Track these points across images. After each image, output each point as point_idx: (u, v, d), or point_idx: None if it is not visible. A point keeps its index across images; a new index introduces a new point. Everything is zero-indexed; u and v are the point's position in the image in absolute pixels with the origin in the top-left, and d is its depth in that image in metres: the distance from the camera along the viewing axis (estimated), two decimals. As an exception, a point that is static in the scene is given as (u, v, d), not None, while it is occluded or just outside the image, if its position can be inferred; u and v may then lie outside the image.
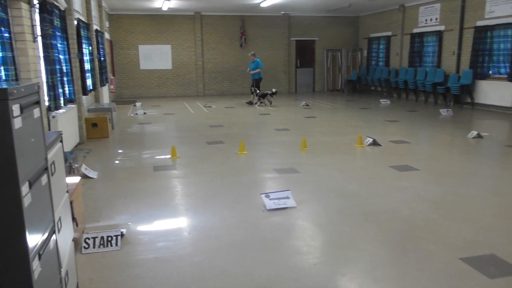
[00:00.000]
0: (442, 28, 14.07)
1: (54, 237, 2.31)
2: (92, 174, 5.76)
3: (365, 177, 5.62)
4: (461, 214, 4.28)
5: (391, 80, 15.93)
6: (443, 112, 11.57)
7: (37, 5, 5.57)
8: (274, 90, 14.19)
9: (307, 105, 13.81)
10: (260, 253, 3.50)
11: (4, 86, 1.72)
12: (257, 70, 14.48)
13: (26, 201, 1.84)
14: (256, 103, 14.14)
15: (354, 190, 5.09)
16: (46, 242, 2.13)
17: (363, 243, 3.66)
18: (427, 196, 4.86)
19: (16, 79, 4.39)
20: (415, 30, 15.37)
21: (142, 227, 4.07)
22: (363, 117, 11.22)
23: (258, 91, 14.12)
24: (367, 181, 5.46)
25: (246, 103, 14.59)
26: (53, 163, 2.44)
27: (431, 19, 14.63)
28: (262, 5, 15.22)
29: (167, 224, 4.17)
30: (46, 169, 2.24)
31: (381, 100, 14.88)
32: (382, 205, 4.57)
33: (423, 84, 14.05)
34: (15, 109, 1.76)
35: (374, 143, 7.56)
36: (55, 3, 6.09)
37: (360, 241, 3.69)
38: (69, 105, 7.20)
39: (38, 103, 2.17)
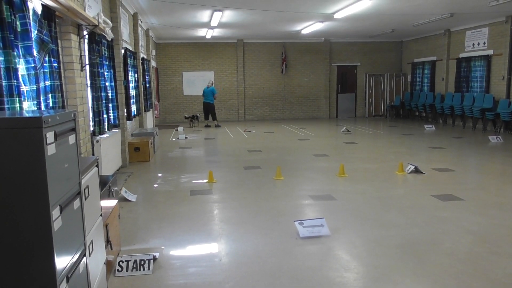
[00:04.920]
0: (490, 52, 13.58)
1: (84, 260, 2.37)
2: (131, 197, 5.92)
3: (405, 206, 5.41)
4: (509, 249, 4.01)
5: (437, 106, 15.46)
6: (492, 139, 11.04)
7: (86, 36, 5.92)
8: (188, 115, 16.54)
9: (348, 131, 13.63)
10: (292, 282, 3.42)
11: (38, 114, 1.82)
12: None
13: (56, 225, 1.91)
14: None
15: (393, 220, 4.91)
16: (75, 265, 2.19)
17: (400, 276, 3.49)
18: (471, 228, 4.59)
19: (63, 106, 4.64)
20: (462, 55, 14.93)
21: (175, 252, 4.10)
22: (405, 144, 10.91)
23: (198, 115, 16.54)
24: (406, 210, 5.26)
25: (205, 126, 16.11)
26: (87, 187, 2.53)
27: (478, 44, 14.18)
28: (303, 32, 15.38)
29: (200, 249, 4.18)
30: (79, 193, 2.33)
31: (425, 126, 14.44)
32: (422, 237, 4.36)
33: (471, 109, 13.53)
34: (49, 136, 1.85)
35: (416, 170, 7.30)
36: (103, 33, 6.45)
37: (397, 275, 3.52)
38: (113, 130, 7.49)
39: (74, 130, 2.27)
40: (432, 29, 15.55)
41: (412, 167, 7.35)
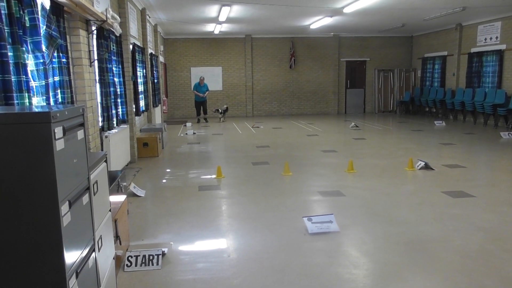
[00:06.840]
0: (503, 47, 13.37)
1: (93, 255, 2.37)
2: (140, 192, 5.93)
3: (415, 203, 5.36)
4: (521, 247, 3.95)
5: (447, 101, 15.29)
6: (504, 135, 10.90)
7: (95, 32, 5.93)
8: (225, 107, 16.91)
9: (357, 126, 13.54)
10: (300, 278, 3.40)
11: (47, 109, 1.81)
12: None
13: (65, 220, 1.91)
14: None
15: (402, 216, 4.86)
16: (84, 260, 2.19)
17: (410, 274, 3.46)
18: (482, 225, 4.54)
19: (72, 101, 4.65)
20: (473, 50, 14.73)
21: (183, 247, 4.10)
22: (415, 140, 10.80)
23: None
24: (416, 207, 5.20)
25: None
26: (96, 182, 2.53)
27: (490, 38, 13.96)
28: (312, 26, 15.27)
29: (208, 245, 4.18)
30: (88, 188, 2.32)
31: (435, 121, 14.29)
32: (432, 233, 4.32)
33: (482, 105, 13.35)
34: (58, 131, 1.85)
35: (426, 166, 7.23)
36: (112, 29, 6.45)
37: (406, 272, 3.49)
38: (122, 126, 7.51)
39: (82, 125, 2.27)
40: (443, 24, 15.35)
41: (422, 163, 7.28)
